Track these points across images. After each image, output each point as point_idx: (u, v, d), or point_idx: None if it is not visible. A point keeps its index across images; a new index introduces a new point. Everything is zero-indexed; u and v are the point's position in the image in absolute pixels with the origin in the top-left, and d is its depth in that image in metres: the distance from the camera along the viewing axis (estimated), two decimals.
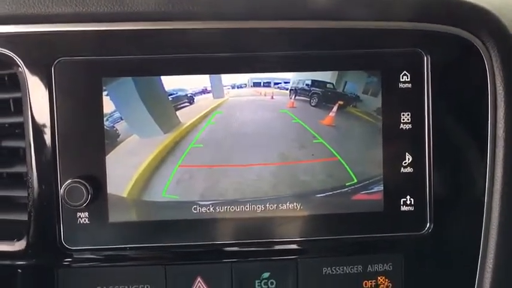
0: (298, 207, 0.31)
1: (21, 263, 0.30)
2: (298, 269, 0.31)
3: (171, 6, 0.29)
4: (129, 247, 0.30)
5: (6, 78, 0.32)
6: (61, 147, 0.30)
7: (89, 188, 0.29)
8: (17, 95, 0.31)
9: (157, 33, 0.29)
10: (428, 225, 0.31)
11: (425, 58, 0.30)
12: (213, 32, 0.29)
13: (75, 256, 0.30)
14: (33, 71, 0.30)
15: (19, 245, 0.30)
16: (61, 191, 0.29)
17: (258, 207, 0.30)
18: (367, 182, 0.31)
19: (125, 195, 0.30)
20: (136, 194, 0.30)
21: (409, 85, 0.31)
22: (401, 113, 0.31)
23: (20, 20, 0.30)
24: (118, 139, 0.30)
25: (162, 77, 0.30)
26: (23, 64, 0.30)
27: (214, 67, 0.30)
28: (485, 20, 0.31)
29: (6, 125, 0.32)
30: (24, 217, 0.31)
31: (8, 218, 0.31)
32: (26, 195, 0.30)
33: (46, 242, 0.30)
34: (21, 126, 0.31)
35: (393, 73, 0.31)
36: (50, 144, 0.30)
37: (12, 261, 0.30)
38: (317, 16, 0.30)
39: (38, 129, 0.30)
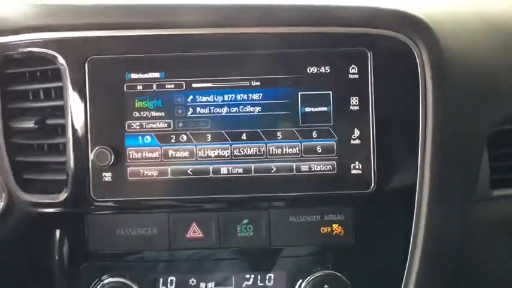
0: (273, 171, 0.40)
1: (61, 210, 0.41)
2: (270, 217, 0.40)
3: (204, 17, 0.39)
4: (141, 199, 0.41)
5: (49, 72, 0.42)
6: (91, 123, 0.40)
7: (112, 153, 0.39)
8: (58, 84, 0.41)
9: (173, 36, 0.40)
10: (372, 185, 0.40)
11: (368, 55, 0.40)
12: (223, 35, 0.39)
13: (100, 206, 0.41)
14: (71, 66, 0.40)
15: (59, 198, 0.41)
16: (91, 156, 0.39)
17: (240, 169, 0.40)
18: (325, 150, 0.40)
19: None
20: None
21: (357, 76, 0.40)
22: (351, 98, 0.40)
23: (63, 28, 0.40)
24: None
25: None
26: (64, 61, 0.40)
27: (218, 64, 0.40)
28: (415, 24, 0.40)
29: (48, 109, 0.43)
30: (62, 177, 0.41)
31: (50, 178, 0.42)
32: (64, 160, 0.41)
33: (79, 195, 0.41)
34: (61, 108, 0.42)
35: (344, 66, 0.40)
36: (83, 121, 0.40)
37: (54, 210, 0.41)
38: (292, 23, 0.39)
39: (74, 110, 0.40)
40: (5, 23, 0.43)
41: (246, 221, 0.40)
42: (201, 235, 0.40)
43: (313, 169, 0.41)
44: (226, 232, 0.40)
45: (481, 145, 0.43)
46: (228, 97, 0.40)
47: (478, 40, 0.46)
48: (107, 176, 0.41)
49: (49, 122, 0.42)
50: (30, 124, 0.42)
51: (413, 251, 0.40)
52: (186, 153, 0.41)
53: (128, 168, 0.41)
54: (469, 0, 0.53)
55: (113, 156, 0.39)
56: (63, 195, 0.41)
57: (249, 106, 0.41)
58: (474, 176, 0.43)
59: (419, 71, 0.40)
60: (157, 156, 0.41)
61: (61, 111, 0.41)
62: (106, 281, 0.40)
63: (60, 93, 0.41)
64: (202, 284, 0.40)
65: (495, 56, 0.46)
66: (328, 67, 0.41)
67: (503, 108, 0.45)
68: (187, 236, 0.40)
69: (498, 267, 0.46)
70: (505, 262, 0.46)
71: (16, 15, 0.43)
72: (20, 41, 0.42)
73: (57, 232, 0.42)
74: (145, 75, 0.41)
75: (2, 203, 0.44)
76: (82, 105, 0.40)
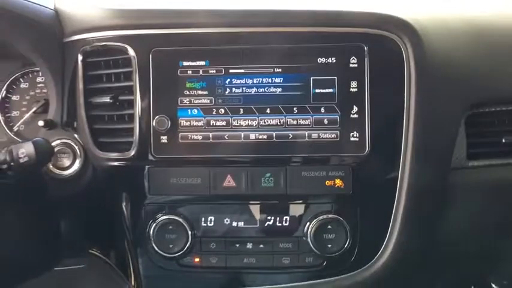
0: (289, 137, 0.52)
1: (128, 164, 0.54)
2: (287, 172, 0.52)
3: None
4: (189, 157, 0.53)
5: (120, 61, 0.55)
6: (153, 99, 0.53)
7: (168, 120, 0.52)
8: (128, 69, 0.54)
9: (215, 34, 0.52)
10: (367, 150, 0.52)
11: (365, 49, 0.52)
12: (253, 33, 0.52)
13: (158, 161, 0.53)
14: (139, 56, 0.53)
15: (128, 155, 0.53)
16: (153, 122, 0.52)
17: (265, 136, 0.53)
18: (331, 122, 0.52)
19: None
20: None
21: (356, 65, 0.52)
22: (351, 82, 0.52)
23: (132, 27, 0.54)
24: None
25: None
26: (133, 52, 0.53)
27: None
28: (403, 26, 0.51)
29: (120, 89, 0.55)
30: (130, 139, 0.54)
31: (120, 141, 0.55)
32: (132, 127, 0.53)
33: (143, 153, 0.53)
34: (130, 87, 0.54)
35: (346, 58, 0.52)
36: (147, 97, 0.53)
37: (123, 163, 0.54)
38: (307, 24, 0.52)
39: (141, 89, 0.53)
40: (86, 23, 0.57)
41: (268, 174, 0.52)
42: (234, 184, 0.52)
43: (321, 137, 0.53)
44: (253, 183, 0.52)
45: (456, 123, 0.54)
46: (257, 80, 0.53)
47: (458, 40, 0.57)
48: (164, 139, 0.53)
49: (121, 98, 0.55)
50: (106, 99, 0.55)
51: (399, 200, 0.51)
52: (224, 123, 0.53)
53: (180, 133, 0.53)
54: (456, 8, 0.64)
55: (169, 123, 0.52)
56: (130, 153, 0.53)
57: (272, 87, 0.53)
58: (449, 147, 0.54)
59: (404, 63, 0.51)
60: (202, 124, 0.53)
61: (130, 90, 0.54)
62: (161, 218, 0.53)
63: (129, 77, 0.54)
64: (234, 223, 0.53)
65: (471, 54, 0.57)
66: (334, 58, 0.53)
67: (474, 96, 0.55)
68: (224, 185, 0.53)
69: (471, 224, 0.57)
70: (477, 218, 0.56)
71: (94, 17, 0.57)
72: (98, 37, 0.56)
73: (125, 181, 0.55)
74: (194, 63, 0.54)
75: (79, 162, 0.58)
76: (147, 85, 0.53)
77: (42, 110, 0.71)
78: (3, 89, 0.72)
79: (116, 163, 0.54)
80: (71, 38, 0.57)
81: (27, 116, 0.71)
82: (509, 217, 0.55)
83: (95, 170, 0.58)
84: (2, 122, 0.72)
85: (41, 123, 0.61)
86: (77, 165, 0.59)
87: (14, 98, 0.72)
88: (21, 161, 0.45)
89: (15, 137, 0.70)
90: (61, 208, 0.59)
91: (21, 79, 0.72)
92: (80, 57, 0.56)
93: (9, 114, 0.72)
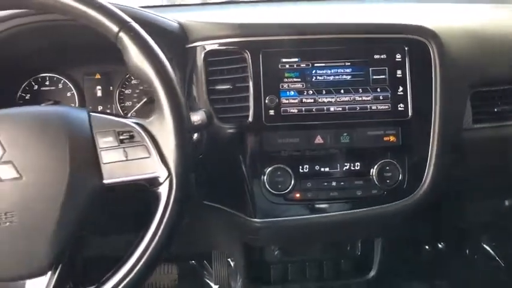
0: (357, 109, 0.76)
1: (246, 130, 0.71)
2: (357, 131, 0.73)
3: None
4: (289, 123, 0.71)
5: (236, 59, 0.71)
6: (263, 84, 0.74)
7: (276, 98, 0.75)
8: (243, 65, 0.76)
9: (306, 40, 0.76)
10: (410, 115, 0.76)
11: (405, 48, 0.76)
12: (331, 38, 0.76)
13: (268, 127, 0.70)
14: (252, 56, 0.71)
15: (245, 124, 0.75)
16: (266, 100, 0.73)
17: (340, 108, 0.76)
18: (384, 98, 0.77)
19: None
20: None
21: (400, 59, 0.77)
22: (397, 70, 0.77)
23: (247, 36, 0.77)
24: None
25: None
26: (248, 53, 0.74)
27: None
28: (431, 33, 0.77)
29: (236, 79, 0.72)
30: (245, 113, 0.76)
31: (237, 115, 0.73)
32: (247, 105, 0.75)
33: (256, 122, 0.71)
34: (244, 78, 0.72)
35: (393, 54, 0.77)
36: (259, 83, 0.74)
37: (242, 131, 0.72)
38: (368, 32, 0.76)
39: (263, 78, 0.72)
40: (207, 33, 0.79)
41: (345, 134, 0.72)
42: (322, 141, 0.74)
43: (378, 108, 0.75)
44: (335, 140, 0.73)
45: (465, 97, 0.79)
46: (334, 70, 0.75)
47: (466, 42, 0.82)
48: (271, 112, 0.73)
49: (237, 85, 0.73)
50: (227, 86, 0.77)
51: (432, 148, 0.75)
52: (312, 100, 0.74)
53: (281, 108, 0.73)
54: (465, 19, 0.91)
55: (277, 100, 0.75)
56: (247, 122, 0.72)
57: (344, 75, 0.77)
58: (461, 114, 0.79)
59: (431, 57, 0.76)
60: (297, 102, 0.73)
61: (243, 79, 0.74)
62: (272, 167, 0.73)
63: (244, 70, 0.77)
64: (322, 168, 0.75)
65: (474, 51, 0.83)
66: (385, 55, 0.73)
67: (476, 79, 0.81)
68: (315, 142, 0.73)
69: (479, 166, 0.83)
70: (483, 162, 0.83)
71: (214, 29, 0.79)
72: (218, 42, 0.78)
73: (242, 143, 0.72)
74: (290, 60, 0.73)
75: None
76: (258, 75, 0.73)
77: (149, 100, 0.94)
78: (118, 84, 0.94)
79: (234, 130, 0.74)
80: (193, 44, 0.80)
81: (138, 105, 0.94)
82: (504, 160, 0.82)
83: (210, 139, 0.80)
84: (119, 110, 0.94)
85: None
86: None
87: (126, 91, 0.95)
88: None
89: None
90: None
91: (132, 77, 0.94)
92: (202, 57, 0.78)
93: (123, 104, 0.95)
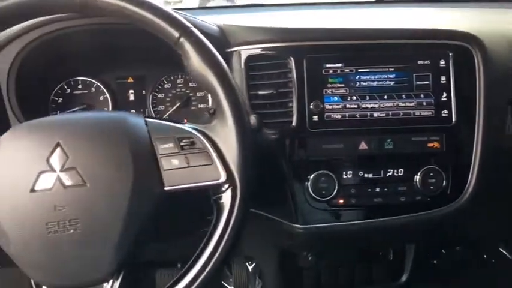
0: (400, 114, 0.76)
1: (290, 136, 0.72)
2: (401, 137, 0.74)
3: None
4: (332, 130, 0.72)
5: (278, 64, 0.73)
6: (307, 89, 0.76)
7: (321, 104, 0.75)
8: (286, 70, 0.76)
9: (348, 45, 0.76)
10: (453, 121, 0.76)
11: (450, 54, 0.77)
12: (375, 44, 0.76)
13: (312, 132, 0.70)
14: (296, 61, 0.71)
15: (288, 130, 0.75)
16: (310, 106, 0.73)
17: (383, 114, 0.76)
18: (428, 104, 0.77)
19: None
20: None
21: (444, 65, 0.77)
22: (441, 76, 0.77)
23: (291, 41, 0.76)
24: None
25: None
26: (292, 59, 0.73)
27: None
28: (474, 39, 0.77)
29: (279, 84, 0.75)
30: (289, 119, 0.76)
31: (279, 121, 0.76)
32: (291, 110, 0.75)
33: (301, 127, 0.70)
34: (286, 83, 0.76)
35: (437, 60, 0.77)
36: (303, 89, 0.74)
37: (285, 136, 0.74)
38: (412, 38, 0.76)
39: (307, 83, 0.72)
40: (248, 38, 0.79)
41: (389, 140, 0.72)
42: (366, 147, 0.75)
43: (422, 114, 0.76)
44: (379, 146, 0.74)
45: (508, 103, 0.80)
46: (377, 76, 0.76)
47: (506, 48, 0.83)
48: (315, 118, 0.74)
49: (280, 90, 0.73)
50: (270, 91, 0.77)
51: (476, 154, 0.74)
52: (355, 106, 0.76)
53: (325, 114, 0.75)
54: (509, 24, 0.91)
55: (321, 106, 0.75)
56: (291, 128, 0.72)
57: (388, 81, 0.77)
58: (504, 120, 0.80)
59: (475, 63, 0.77)
60: (340, 107, 0.75)
61: (285, 84, 0.75)
62: (316, 173, 0.73)
63: (287, 75, 0.77)
64: (366, 174, 0.75)
65: None
66: (429, 61, 0.74)
67: None
68: (359, 148, 0.75)
69: None
70: None
71: (256, 33, 0.79)
72: (261, 47, 0.78)
73: (284, 149, 0.72)
74: (334, 65, 0.76)
75: None
76: (302, 81, 0.73)
77: (183, 105, 0.93)
78: (152, 88, 0.93)
79: (277, 136, 0.74)
80: (234, 48, 0.79)
81: (172, 110, 0.93)
82: None
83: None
84: (152, 113, 0.93)
85: (211, 111, 0.83)
86: None
87: (159, 95, 0.94)
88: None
89: None
90: None
91: (165, 81, 0.94)
92: (243, 62, 0.78)
93: (156, 108, 0.94)
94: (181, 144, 0.52)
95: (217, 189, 0.52)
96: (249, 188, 0.51)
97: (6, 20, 0.54)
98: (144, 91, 0.94)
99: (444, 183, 0.75)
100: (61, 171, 0.49)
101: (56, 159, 0.49)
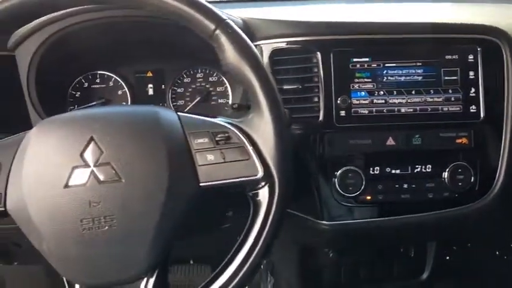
0: (429, 110, 0.75)
1: (316, 129, 0.71)
2: (429, 133, 0.74)
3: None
4: (359, 125, 0.73)
5: (304, 58, 0.74)
6: (334, 84, 0.74)
7: (348, 99, 0.73)
8: (311, 64, 0.75)
9: (376, 39, 0.75)
10: (482, 117, 0.75)
11: (479, 49, 0.75)
12: (403, 38, 0.75)
13: (339, 127, 0.70)
14: (323, 55, 0.70)
15: (315, 125, 0.73)
16: (338, 101, 0.72)
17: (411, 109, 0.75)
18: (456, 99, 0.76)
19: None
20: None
21: (472, 60, 0.76)
22: (469, 71, 0.76)
23: (319, 35, 0.75)
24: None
25: None
26: (319, 53, 0.73)
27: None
28: (502, 33, 0.76)
29: (305, 78, 0.73)
30: (315, 114, 0.75)
31: (306, 115, 0.76)
32: (317, 105, 0.74)
33: (327, 122, 0.70)
34: (311, 78, 0.75)
35: (465, 55, 0.75)
36: (330, 84, 0.73)
37: (312, 129, 0.73)
38: (440, 32, 0.75)
39: (334, 78, 0.71)
40: (274, 31, 0.77)
41: (417, 135, 0.72)
42: (393, 143, 0.74)
43: (450, 109, 0.75)
44: (407, 142, 0.74)
45: None
46: (405, 71, 0.75)
47: None
48: (342, 113, 0.72)
49: (305, 85, 0.73)
50: (296, 86, 0.76)
51: (504, 150, 0.75)
52: (383, 101, 0.75)
53: (352, 109, 0.74)
54: None
55: (348, 101, 0.74)
56: (317, 123, 0.73)
57: (415, 76, 0.76)
58: None
59: (504, 57, 0.76)
60: (368, 102, 0.73)
61: (310, 79, 0.74)
62: (343, 168, 0.73)
63: (312, 69, 0.75)
64: (394, 171, 0.74)
65: None
66: (457, 55, 0.73)
67: None
68: (386, 143, 0.74)
69: None
70: None
71: (282, 26, 0.77)
72: (286, 41, 0.76)
73: (309, 144, 0.72)
74: (361, 59, 0.75)
75: None
76: (329, 75, 0.73)
77: (202, 99, 0.92)
78: (171, 83, 0.92)
79: (302, 131, 0.72)
80: (258, 42, 0.78)
81: (191, 105, 0.92)
82: None
83: None
84: (172, 108, 0.92)
85: (235, 106, 0.82)
86: None
87: (179, 90, 0.93)
88: None
89: None
90: None
91: (184, 75, 0.93)
92: (267, 56, 0.76)
93: (175, 103, 0.93)
94: (217, 139, 0.51)
95: (253, 185, 0.51)
96: (288, 184, 0.50)
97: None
98: (163, 86, 0.92)
99: (472, 180, 0.74)
100: (95, 166, 0.48)
101: (90, 154, 0.48)
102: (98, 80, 0.91)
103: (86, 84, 0.91)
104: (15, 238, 0.77)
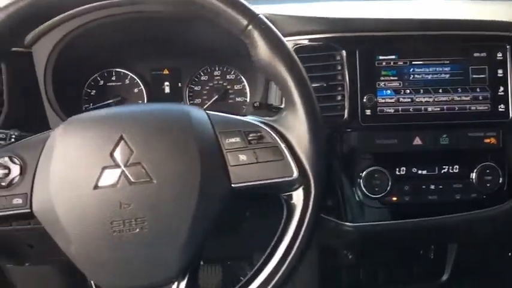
0: (456, 109, 0.73)
1: (341, 127, 0.70)
2: (457, 134, 0.72)
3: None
4: (385, 124, 0.70)
5: (328, 56, 0.71)
6: (360, 82, 0.71)
7: (374, 97, 0.71)
8: (336, 62, 0.73)
9: (401, 36, 0.73)
10: (511, 116, 0.73)
11: (507, 46, 0.72)
12: (429, 36, 0.73)
13: (364, 126, 0.69)
14: (348, 53, 0.70)
15: (339, 123, 0.72)
16: (364, 99, 0.69)
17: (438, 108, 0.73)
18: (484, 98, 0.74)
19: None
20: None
21: (501, 58, 0.74)
22: (498, 69, 0.73)
23: (344, 32, 0.73)
24: None
25: None
26: (344, 51, 0.70)
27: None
28: None
29: (329, 77, 0.72)
30: (340, 113, 0.73)
31: (332, 114, 0.73)
32: (343, 103, 0.72)
33: (352, 120, 0.69)
34: (335, 76, 0.74)
35: (494, 53, 0.73)
36: (355, 82, 0.71)
37: (336, 126, 0.71)
38: (468, 29, 0.73)
39: (349, 76, 0.70)
40: (293, 28, 0.74)
41: (444, 135, 0.70)
42: (421, 143, 0.72)
43: (478, 109, 0.73)
44: (434, 141, 0.72)
45: None
46: (432, 69, 0.73)
47: None
48: (368, 112, 0.71)
49: (330, 83, 0.71)
50: (319, 84, 0.74)
51: None
52: (409, 100, 0.73)
53: (378, 107, 0.71)
54: None
55: (374, 99, 0.72)
56: (341, 122, 0.71)
57: (443, 74, 0.74)
58: None
59: None
60: (394, 101, 0.72)
61: (334, 77, 0.73)
62: (369, 169, 0.71)
63: (336, 67, 0.73)
64: (420, 171, 0.73)
65: None
66: (485, 53, 0.71)
67: None
68: (413, 143, 0.71)
69: None
70: None
71: (301, 23, 0.75)
72: (309, 38, 0.75)
73: (340, 142, 0.71)
74: (387, 57, 0.73)
75: None
76: (355, 73, 0.71)
77: (220, 98, 0.90)
78: (188, 81, 0.90)
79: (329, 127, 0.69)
80: None
81: (209, 103, 0.90)
82: None
83: None
84: None
85: (256, 104, 0.80)
86: None
87: (196, 88, 0.91)
88: None
89: None
90: None
91: (201, 73, 0.91)
92: None
93: (192, 102, 0.91)
94: (249, 138, 0.49)
95: (287, 186, 0.49)
96: (323, 186, 0.48)
97: None
98: (180, 83, 0.90)
99: (501, 181, 0.72)
100: (126, 166, 0.46)
101: (120, 154, 0.46)
102: (113, 78, 0.89)
103: (102, 82, 0.89)
104: (29, 239, 0.76)
